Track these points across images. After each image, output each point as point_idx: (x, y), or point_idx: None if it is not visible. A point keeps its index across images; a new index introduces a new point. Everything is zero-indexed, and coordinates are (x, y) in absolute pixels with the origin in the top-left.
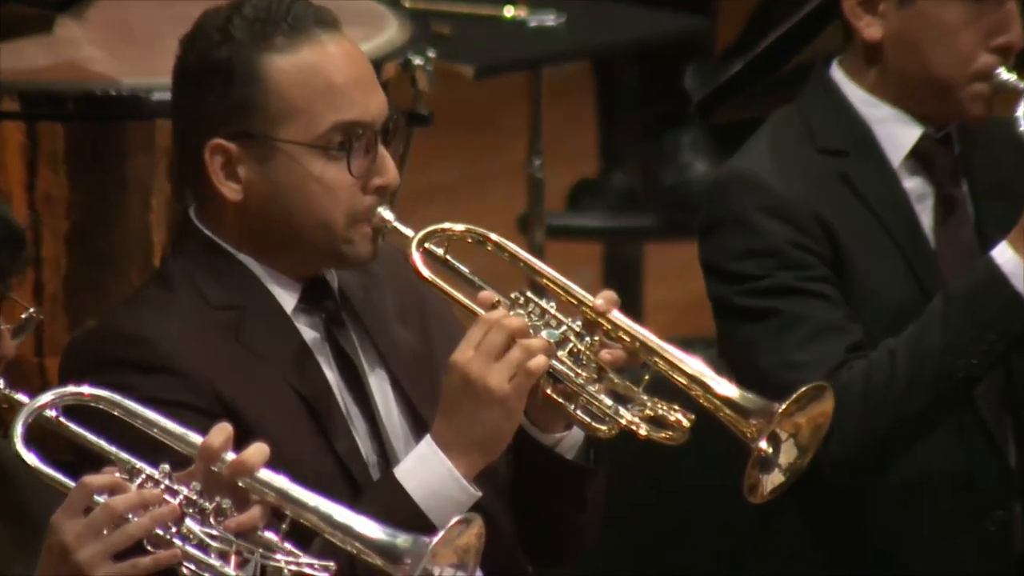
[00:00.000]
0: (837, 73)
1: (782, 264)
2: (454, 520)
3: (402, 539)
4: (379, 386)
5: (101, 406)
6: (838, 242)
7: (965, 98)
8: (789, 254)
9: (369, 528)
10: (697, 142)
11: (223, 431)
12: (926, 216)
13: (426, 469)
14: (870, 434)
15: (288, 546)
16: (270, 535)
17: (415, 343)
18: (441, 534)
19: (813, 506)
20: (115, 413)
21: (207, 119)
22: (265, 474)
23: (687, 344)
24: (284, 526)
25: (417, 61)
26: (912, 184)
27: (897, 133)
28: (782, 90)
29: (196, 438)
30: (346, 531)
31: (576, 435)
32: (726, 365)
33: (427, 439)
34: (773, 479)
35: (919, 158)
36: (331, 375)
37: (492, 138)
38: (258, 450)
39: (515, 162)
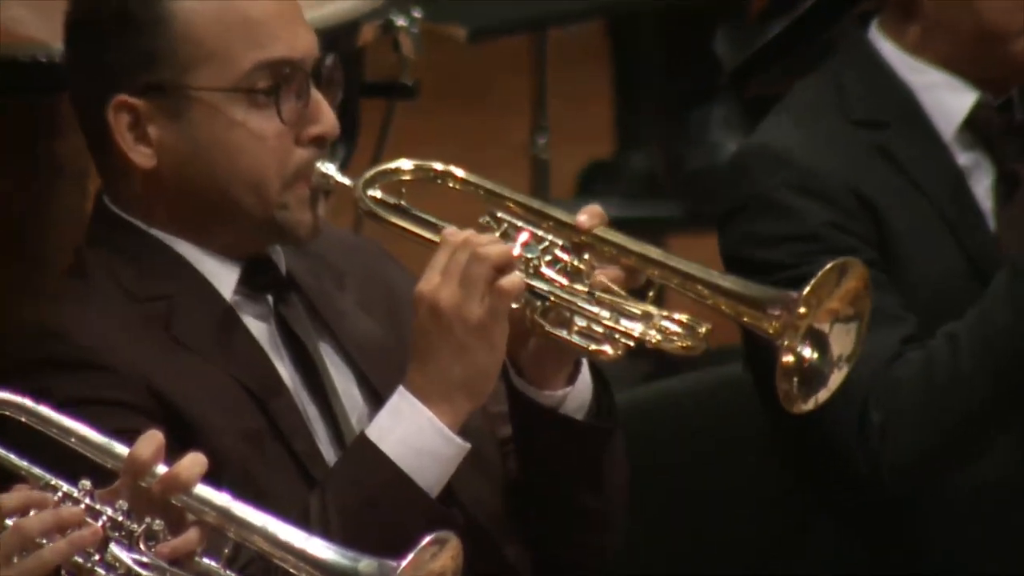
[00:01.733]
0: (876, 35)
1: (822, 249)
2: (425, 540)
3: (364, 564)
4: (343, 385)
5: (8, 412)
6: (881, 219)
7: (1021, 50)
8: (829, 237)
9: (326, 552)
10: (729, 118)
11: (153, 440)
12: (986, 196)
13: (403, 424)
14: (933, 433)
15: (231, 575)
16: (209, 562)
17: (383, 337)
18: (410, 558)
19: (857, 519)
20: (26, 420)
21: (107, 77)
22: (203, 490)
23: (717, 353)
24: (227, 551)
25: (400, 22)
26: (967, 159)
27: (947, 101)
28: (829, 56)
29: (122, 449)
30: (299, 556)
31: (581, 393)
32: (758, 387)
33: (400, 390)
34: (837, 377)
35: (975, 129)
36: (283, 369)
37: (489, 113)
38: (194, 462)
39: (516, 141)
